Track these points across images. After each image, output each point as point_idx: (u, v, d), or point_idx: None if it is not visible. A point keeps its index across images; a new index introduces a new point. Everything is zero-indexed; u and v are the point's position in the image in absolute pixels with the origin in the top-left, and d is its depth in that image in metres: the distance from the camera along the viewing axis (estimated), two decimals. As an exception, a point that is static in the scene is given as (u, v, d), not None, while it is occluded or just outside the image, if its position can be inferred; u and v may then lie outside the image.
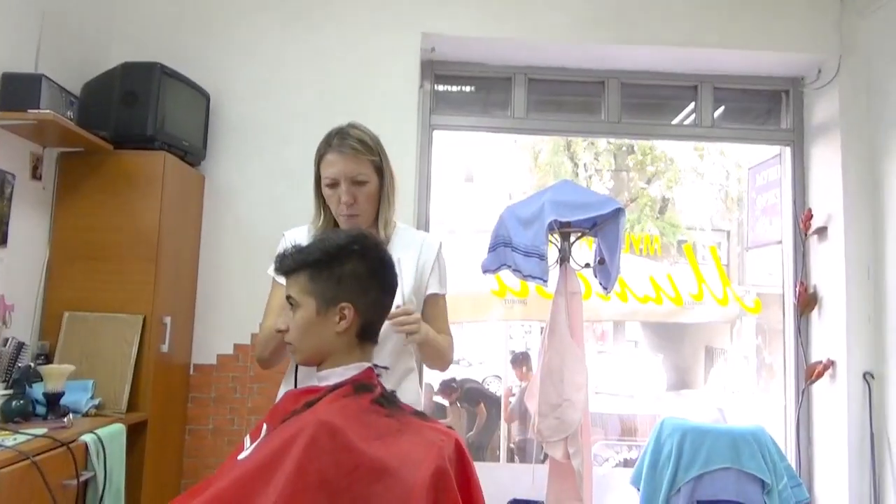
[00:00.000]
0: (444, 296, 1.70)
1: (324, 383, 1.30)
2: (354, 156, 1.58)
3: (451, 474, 1.10)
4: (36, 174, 2.49)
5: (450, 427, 1.28)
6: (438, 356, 1.64)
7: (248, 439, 1.28)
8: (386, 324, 1.39)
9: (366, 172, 1.60)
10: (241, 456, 1.22)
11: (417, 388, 1.70)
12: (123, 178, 2.56)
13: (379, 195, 1.64)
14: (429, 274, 1.66)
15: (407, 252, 1.64)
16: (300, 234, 1.68)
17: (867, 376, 2.99)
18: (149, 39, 2.98)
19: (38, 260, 2.53)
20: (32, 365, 2.23)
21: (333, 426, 1.10)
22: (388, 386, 1.40)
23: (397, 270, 1.42)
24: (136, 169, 2.57)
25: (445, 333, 1.67)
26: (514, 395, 5.31)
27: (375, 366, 1.34)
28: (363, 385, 1.26)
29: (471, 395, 5.66)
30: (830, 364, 3.10)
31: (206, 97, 2.94)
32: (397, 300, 1.50)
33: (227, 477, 1.11)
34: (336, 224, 1.67)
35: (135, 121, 2.57)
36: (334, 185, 1.60)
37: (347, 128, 1.63)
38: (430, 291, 1.66)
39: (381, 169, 1.63)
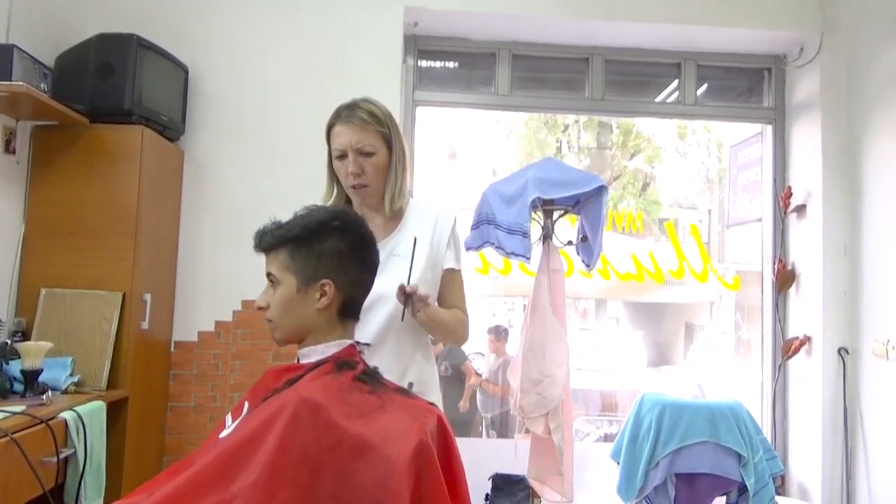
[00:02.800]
0: (460, 271, 1.70)
1: (305, 361, 1.30)
2: (361, 126, 1.58)
3: (433, 450, 1.11)
4: (9, 148, 2.44)
5: (432, 403, 1.28)
6: (447, 332, 1.65)
7: (229, 417, 1.28)
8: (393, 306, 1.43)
9: (373, 143, 1.59)
10: (223, 434, 1.21)
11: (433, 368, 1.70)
12: (100, 153, 2.52)
13: (387, 168, 1.62)
14: (444, 249, 1.66)
15: (422, 228, 1.64)
16: None
17: (842, 352, 3.05)
18: (125, 10, 2.91)
19: (12, 235, 2.48)
20: (9, 342, 2.21)
21: (315, 403, 1.10)
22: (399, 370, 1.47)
23: (412, 247, 1.46)
24: (114, 143, 2.52)
25: (460, 309, 1.68)
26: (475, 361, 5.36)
27: (357, 343, 1.33)
28: (345, 362, 1.26)
29: (455, 372, 5.69)
30: (806, 340, 3.16)
31: (185, 71, 2.88)
32: (414, 277, 1.52)
33: (209, 454, 1.11)
34: (348, 200, 1.67)
35: (111, 94, 2.51)
36: (342, 156, 1.60)
37: (358, 100, 1.63)
38: (446, 266, 1.67)
39: (390, 141, 1.62)
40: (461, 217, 1.83)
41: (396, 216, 1.67)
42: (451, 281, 1.68)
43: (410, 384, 1.54)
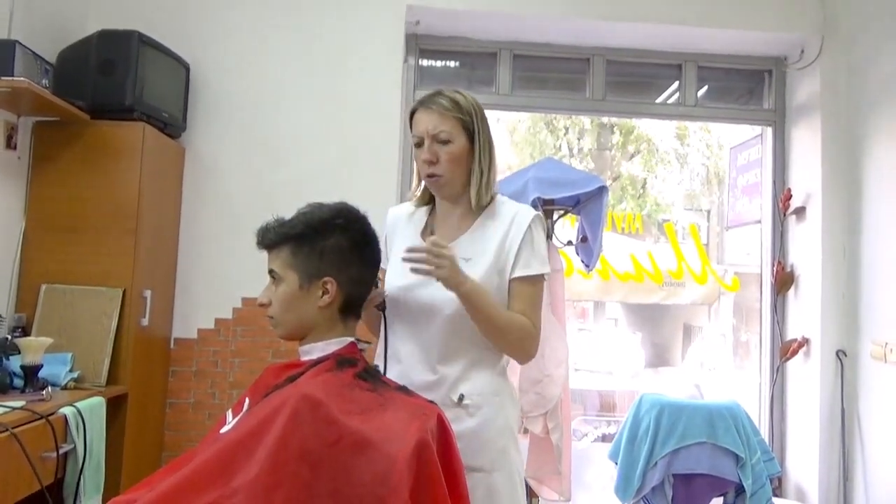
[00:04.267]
0: (531, 278, 1.47)
1: (306, 357, 1.30)
2: (440, 112, 1.47)
3: (433, 448, 1.11)
4: (10, 143, 2.44)
5: (432, 402, 1.29)
6: (495, 329, 1.42)
7: (230, 413, 1.29)
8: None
9: (450, 130, 1.46)
10: (224, 429, 1.22)
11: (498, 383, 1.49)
12: (101, 149, 2.51)
13: (468, 160, 1.49)
14: (514, 254, 1.47)
15: (496, 229, 1.50)
16: (403, 209, 1.64)
17: (840, 354, 3.06)
18: (126, 7, 2.90)
19: (13, 231, 2.48)
20: (9, 337, 2.21)
21: (316, 400, 1.11)
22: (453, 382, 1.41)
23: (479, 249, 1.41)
24: (115, 140, 2.52)
25: (524, 316, 1.45)
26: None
27: (358, 340, 1.34)
28: (346, 359, 1.27)
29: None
30: (805, 342, 3.16)
31: (186, 67, 2.88)
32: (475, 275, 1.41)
33: (209, 450, 1.11)
34: (429, 195, 1.57)
35: (112, 90, 2.51)
36: (420, 143, 1.49)
37: (442, 89, 1.52)
38: (512, 276, 1.47)
39: (471, 131, 1.49)
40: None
41: (474, 214, 1.52)
42: (517, 291, 1.47)
43: (461, 396, 1.43)
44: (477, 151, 1.50)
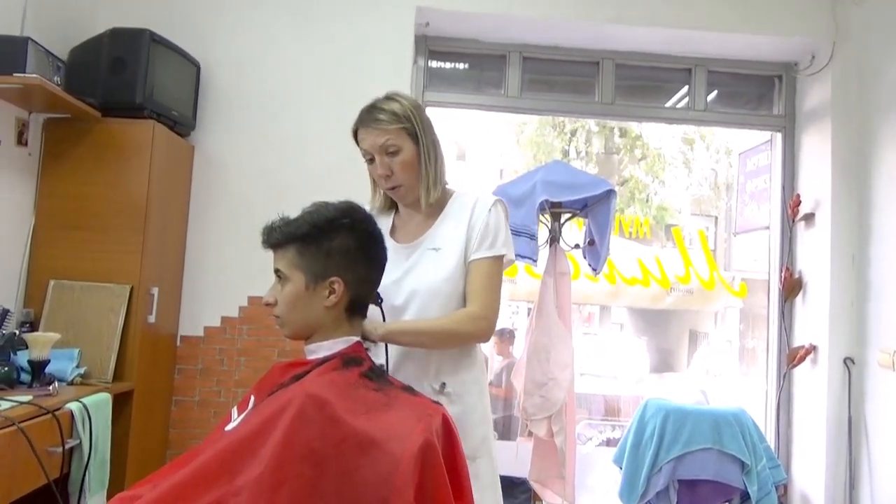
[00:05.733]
0: (487, 260, 1.52)
1: (312, 357, 1.30)
2: (378, 127, 1.51)
3: (438, 448, 1.11)
4: (21, 140, 2.45)
5: (437, 402, 1.29)
6: (434, 341, 1.49)
7: (235, 411, 1.29)
8: None
9: (396, 142, 1.51)
10: (229, 427, 1.22)
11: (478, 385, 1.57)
12: (111, 147, 2.53)
13: (416, 163, 1.54)
14: (475, 237, 1.53)
15: (459, 218, 1.55)
16: None
17: (847, 361, 3.04)
18: (137, 5, 2.92)
19: (23, 227, 2.50)
20: (17, 332, 2.22)
21: (321, 399, 1.10)
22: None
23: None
24: (125, 137, 2.53)
25: (474, 302, 1.50)
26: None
27: (364, 339, 1.34)
28: (352, 359, 1.27)
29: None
30: (812, 349, 3.14)
31: (197, 66, 2.89)
32: (448, 271, 1.49)
33: (214, 447, 1.11)
34: (393, 203, 1.63)
35: (123, 88, 2.52)
36: (371, 160, 1.54)
37: (377, 100, 1.56)
38: (471, 258, 1.52)
39: (415, 135, 1.53)
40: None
41: (436, 211, 1.58)
42: (472, 271, 1.52)
43: (443, 384, 1.50)
44: (422, 153, 1.54)
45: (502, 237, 1.55)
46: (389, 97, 1.57)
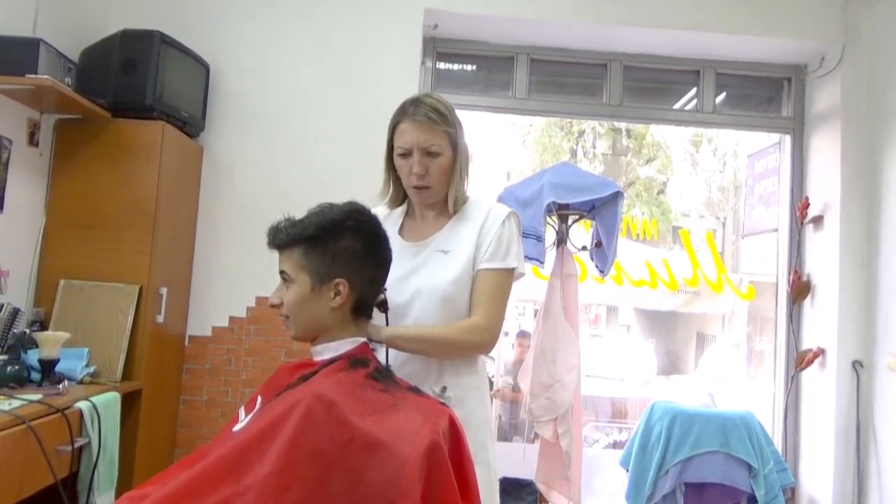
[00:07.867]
0: (496, 271, 1.49)
1: (319, 358, 1.31)
2: (429, 125, 1.48)
3: (444, 449, 1.11)
4: (33, 140, 2.48)
5: (443, 403, 1.29)
6: (436, 349, 1.46)
7: (242, 411, 1.29)
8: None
9: (440, 143, 1.49)
10: (236, 427, 1.23)
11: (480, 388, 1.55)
12: (121, 147, 2.55)
13: (451, 169, 1.52)
14: (486, 246, 1.50)
15: (471, 224, 1.53)
16: (378, 213, 1.60)
17: (856, 365, 3.02)
18: (148, 7, 2.94)
19: (34, 226, 2.52)
20: (28, 331, 2.24)
21: (329, 400, 1.11)
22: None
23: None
24: (135, 138, 2.55)
25: (478, 313, 1.48)
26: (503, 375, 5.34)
27: (370, 340, 1.34)
28: (358, 360, 1.27)
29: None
30: (821, 352, 3.13)
31: (206, 68, 2.91)
32: (455, 274, 1.47)
33: (221, 448, 1.12)
34: (405, 196, 1.60)
35: (133, 89, 2.54)
36: (407, 154, 1.50)
37: (422, 96, 1.53)
38: (478, 267, 1.50)
39: (455, 142, 1.52)
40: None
41: (448, 213, 1.57)
42: (480, 280, 1.49)
43: (444, 388, 1.47)
44: (458, 160, 1.53)
45: (514, 250, 1.52)
46: (431, 95, 1.54)
